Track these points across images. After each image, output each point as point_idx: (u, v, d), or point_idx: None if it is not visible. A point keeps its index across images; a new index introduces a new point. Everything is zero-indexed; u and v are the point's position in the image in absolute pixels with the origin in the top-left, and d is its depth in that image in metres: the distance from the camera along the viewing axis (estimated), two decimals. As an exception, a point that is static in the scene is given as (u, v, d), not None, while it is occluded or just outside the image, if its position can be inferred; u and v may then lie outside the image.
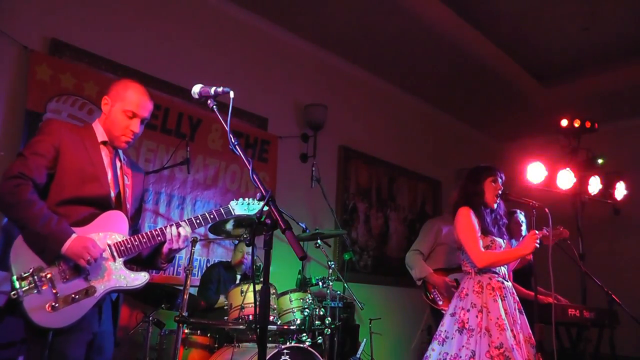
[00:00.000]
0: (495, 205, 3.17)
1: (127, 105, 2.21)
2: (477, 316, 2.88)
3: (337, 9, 4.98)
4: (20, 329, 1.96)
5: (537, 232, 2.96)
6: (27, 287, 1.89)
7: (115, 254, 2.11)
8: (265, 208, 1.71)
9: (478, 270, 3.03)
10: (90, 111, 3.75)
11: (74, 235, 1.97)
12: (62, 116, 3.64)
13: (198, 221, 2.30)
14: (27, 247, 1.93)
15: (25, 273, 1.90)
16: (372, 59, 5.92)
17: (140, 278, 2.16)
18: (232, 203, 2.47)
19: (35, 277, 1.91)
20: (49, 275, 1.94)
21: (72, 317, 1.96)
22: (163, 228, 2.22)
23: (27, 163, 2.00)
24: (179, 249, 2.26)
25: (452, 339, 2.91)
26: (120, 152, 2.29)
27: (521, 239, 3.36)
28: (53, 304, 1.91)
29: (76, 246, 1.96)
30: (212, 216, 2.33)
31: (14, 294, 1.86)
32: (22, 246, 1.93)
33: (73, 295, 1.97)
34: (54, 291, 1.93)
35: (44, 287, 1.91)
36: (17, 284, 1.87)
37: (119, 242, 2.13)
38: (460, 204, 3.17)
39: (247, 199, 2.51)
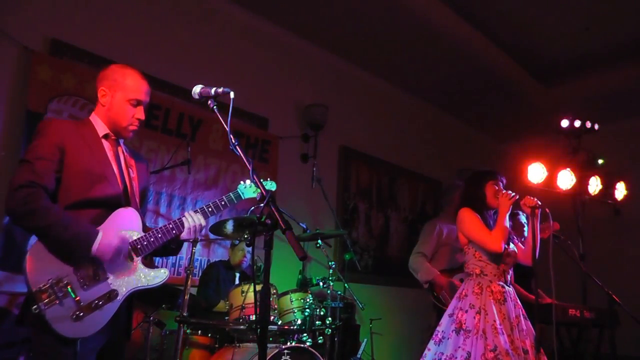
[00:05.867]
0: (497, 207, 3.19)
1: (130, 93, 2.10)
2: (474, 317, 2.86)
3: (337, 9, 4.99)
4: (22, 330, 1.93)
5: (510, 192, 2.99)
6: (48, 300, 1.82)
7: (132, 253, 2.04)
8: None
9: (480, 272, 3.03)
10: (91, 111, 3.73)
11: (100, 234, 1.91)
12: (63, 116, 3.65)
13: (210, 209, 2.23)
14: (43, 256, 1.86)
15: (43, 285, 1.83)
16: (372, 59, 5.92)
17: (160, 275, 2.08)
18: (241, 186, 2.42)
19: (55, 288, 1.84)
20: (68, 286, 1.87)
21: (98, 323, 1.90)
22: (177, 221, 2.15)
23: (35, 169, 1.88)
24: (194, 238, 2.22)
25: (448, 339, 2.89)
26: (122, 142, 2.19)
27: (523, 239, 3.37)
28: (77, 312, 1.85)
29: (107, 244, 1.90)
30: (222, 203, 2.27)
31: (35, 309, 1.79)
32: (36, 257, 1.86)
33: (96, 302, 1.91)
34: (77, 299, 1.87)
35: (64, 298, 1.85)
36: (38, 298, 1.80)
37: (135, 240, 2.05)
38: (461, 206, 3.20)
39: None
